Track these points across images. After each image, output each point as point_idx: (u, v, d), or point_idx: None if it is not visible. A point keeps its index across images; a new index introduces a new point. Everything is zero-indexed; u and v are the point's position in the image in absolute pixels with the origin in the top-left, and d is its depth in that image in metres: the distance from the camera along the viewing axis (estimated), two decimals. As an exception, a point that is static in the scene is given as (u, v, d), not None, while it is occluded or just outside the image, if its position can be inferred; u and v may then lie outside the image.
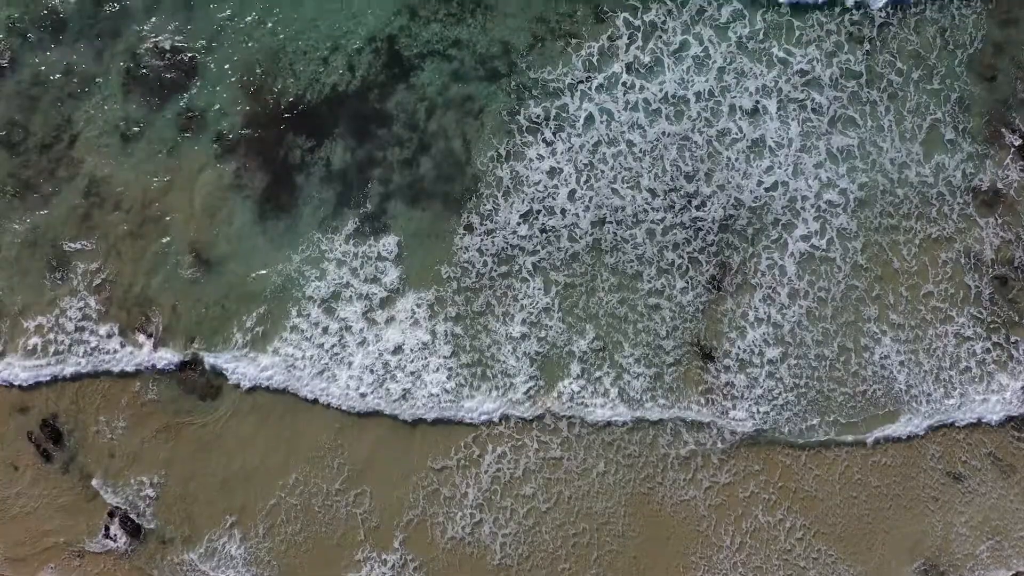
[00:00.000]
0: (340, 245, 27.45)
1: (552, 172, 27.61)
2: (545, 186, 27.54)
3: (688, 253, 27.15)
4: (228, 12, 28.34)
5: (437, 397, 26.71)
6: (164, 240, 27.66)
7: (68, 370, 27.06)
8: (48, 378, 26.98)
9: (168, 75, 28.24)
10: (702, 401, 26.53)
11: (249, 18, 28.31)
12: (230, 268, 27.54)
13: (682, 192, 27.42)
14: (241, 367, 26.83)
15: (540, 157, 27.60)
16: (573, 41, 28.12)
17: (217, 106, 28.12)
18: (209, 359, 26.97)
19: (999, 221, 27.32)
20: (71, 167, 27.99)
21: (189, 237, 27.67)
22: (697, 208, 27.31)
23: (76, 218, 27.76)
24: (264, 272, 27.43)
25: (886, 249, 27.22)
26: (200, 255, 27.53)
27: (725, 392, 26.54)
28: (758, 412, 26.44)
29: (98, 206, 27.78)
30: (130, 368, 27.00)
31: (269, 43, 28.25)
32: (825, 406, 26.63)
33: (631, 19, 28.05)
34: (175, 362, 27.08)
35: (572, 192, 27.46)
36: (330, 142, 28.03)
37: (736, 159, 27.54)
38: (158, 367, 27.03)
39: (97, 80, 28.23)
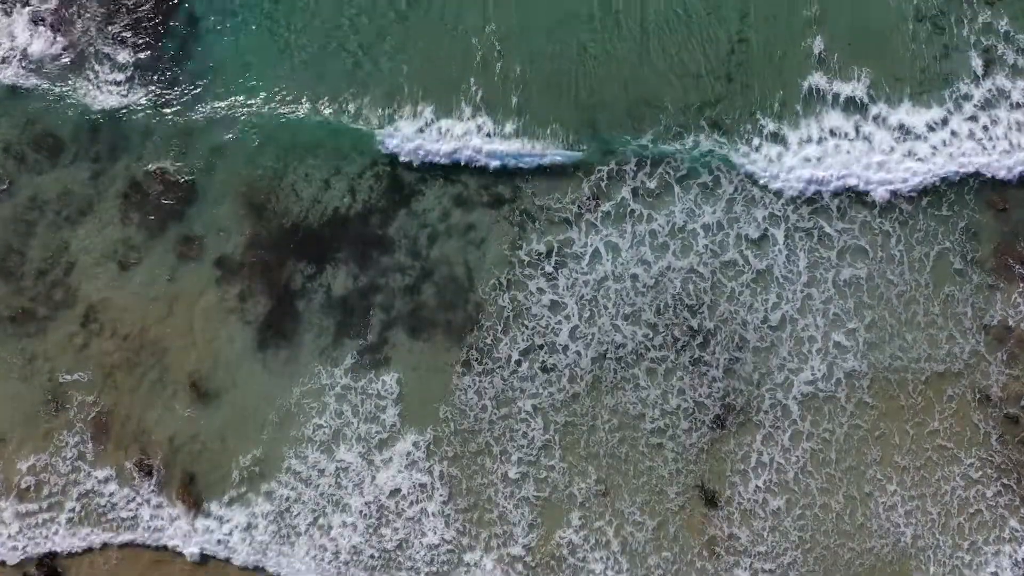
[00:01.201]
0: (340, 379, 27.06)
1: (554, 306, 27.19)
2: (548, 322, 27.11)
3: (693, 398, 26.74)
4: (228, 136, 27.94)
5: (436, 548, 26.32)
6: (162, 370, 27.28)
7: (63, 544, 26.73)
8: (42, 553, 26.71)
9: (167, 198, 27.85)
10: (705, 554, 26.13)
11: (250, 141, 27.89)
12: (229, 400, 27.17)
13: (684, 326, 26.96)
14: (236, 515, 26.55)
15: (541, 291, 27.18)
16: (582, 163, 27.79)
17: (217, 229, 27.74)
18: (209, 537, 26.69)
19: (1006, 357, 26.83)
20: (68, 294, 27.61)
21: (188, 367, 27.29)
22: (700, 348, 26.86)
23: (73, 347, 27.39)
24: (263, 405, 27.04)
25: (893, 384, 26.77)
26: (198, 386, 27.14)
27: (728, 546, 26.14)
28: (762, 570, 26.04)
29: (96, 334, 27.41)
30: (130, 538, 26.73)
31: (270, 165, 27.86)
32: (832, 564, 26.20)
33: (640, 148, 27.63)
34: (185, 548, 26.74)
35: (574, 329, 27.02)
36: (332, 267, 27.64)
37: (741, 292, 27.09)
38: (164, 545, 26.74)
39: (94, 204, 27.85)
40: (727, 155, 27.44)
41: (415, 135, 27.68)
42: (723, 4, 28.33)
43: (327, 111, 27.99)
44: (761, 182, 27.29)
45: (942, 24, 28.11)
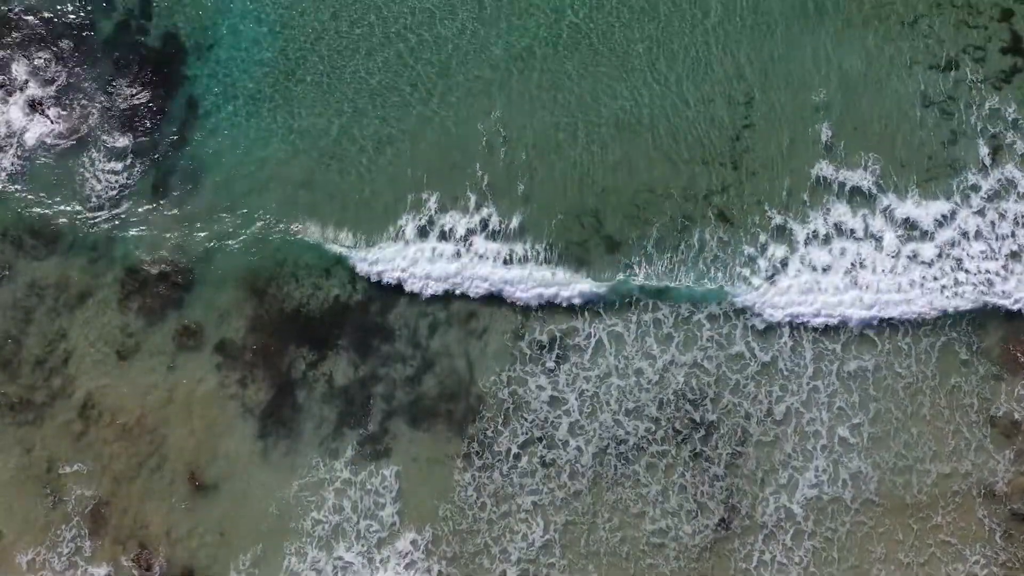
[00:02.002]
0: (340, 472, 26.78)
1: (554, 401, 26.88)
2: (547, 416, 26.82)
3: (695, 497, 26.47)
4: (227, 226, 27.69)
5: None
6: (161, 459, 27.01)
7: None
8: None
9: (166, 286, 27.55)
10: (707, 660, 25.99)
11: (249, 231, 27.66)
12: (228, 490, 26.87)
13: (686, 419, 26.68)
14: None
15: (540, 388, 26.87)
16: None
17: (217, 315, 27.46)
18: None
19: (1012, 454, 26.52)
20: (66, 382, 27.32)
21: (187, 456, 27.01)
22: (702, 441, 26.59)
23: (71, 437, 27.09)
24: (263, 497, 26.76)
25: (898, 486, 26.47)
26: (197, 476, 26.87)
27: (733, 655, 25.99)
28: None
29: (94, 422, 27.12)
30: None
31: (269, 256, 27.59)
32: (838, 674, 26.06)
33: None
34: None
35: (574, 424, 26.71)
36: (333, 355, 27.37)
37: (745, 384, 26.82)
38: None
39: (93, 291, 27.55)
40: (729, 293, 27.20)
41: (414, 240, 27.46)
42: (727, 90, 28.00)
43: (317, 231, 27.74)
44: (761, 314, 27.12)
45: (950, 110, 27.82)
